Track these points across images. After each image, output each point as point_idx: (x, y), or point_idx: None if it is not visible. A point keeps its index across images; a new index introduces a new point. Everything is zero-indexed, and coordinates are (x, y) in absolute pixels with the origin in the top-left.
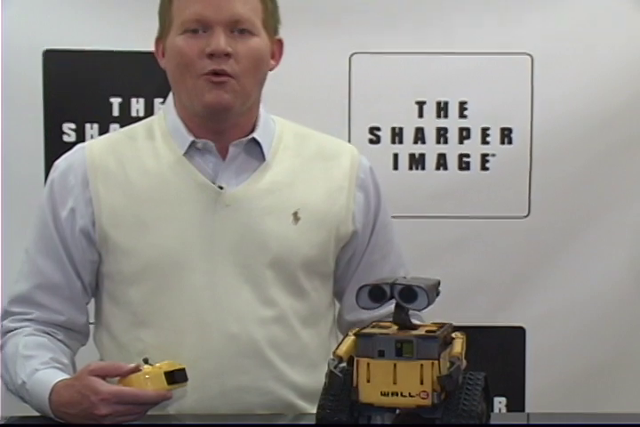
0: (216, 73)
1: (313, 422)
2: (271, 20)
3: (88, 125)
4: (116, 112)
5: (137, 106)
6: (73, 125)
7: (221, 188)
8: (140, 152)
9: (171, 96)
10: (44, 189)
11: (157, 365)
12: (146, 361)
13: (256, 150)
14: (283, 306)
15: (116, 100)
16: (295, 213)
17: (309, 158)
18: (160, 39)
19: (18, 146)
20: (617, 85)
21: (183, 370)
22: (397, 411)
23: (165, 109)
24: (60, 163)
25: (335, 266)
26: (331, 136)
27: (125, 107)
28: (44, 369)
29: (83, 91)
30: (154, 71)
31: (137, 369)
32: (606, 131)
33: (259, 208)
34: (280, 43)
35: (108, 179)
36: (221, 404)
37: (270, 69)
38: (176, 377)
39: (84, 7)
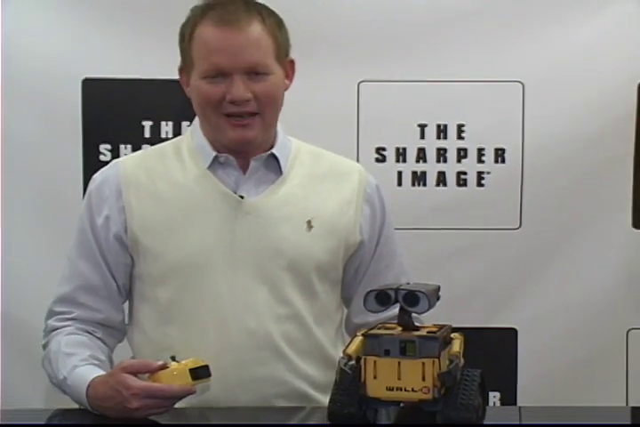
0: (238, 115)
1: (325, 414)
2: (282, 50)
3: (122, 146)
4: (147, 134)
5: (166, 128)
6: (109, 146)
7: (242, 197)
8: (168, 167)
9: (197, 118)
10: (83, 200)
11: (183, 362)
12: (173, 358)
13: (274, 165)
14: (296, 305)
15: (147, 124)
16: (309, 222)
17: (322, 175)
18: (183, 70)
19: (59, 165)
20: (600, 111)
21: (206, 367)
22: (401, 404)
23: (192, 130)
24: (97, 176)
25: (343, 274)
26: (341, 156)
27: (156, 129)
28: (82, 366)
29: (117, 115)
30: (181, 97)
31: (164, 366)
32: (590, 151)
33: (276, 217)
34: (292, 63)
35: (139, 190)
36: (241, 393)
37: (285, 89)
38: (200, 373)
39: (118, 40)
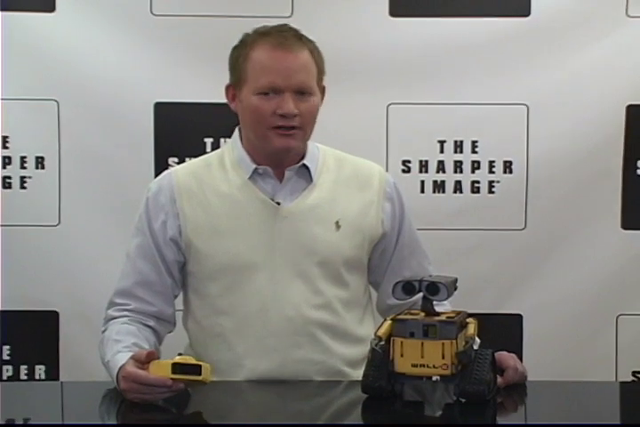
0: (285, 127)
1: (358, 389)
2: (321, 75)
3: (187, 159)
4: (208, 149)
5: (224, 144)
6: (176, 159)
7: (279, 203)
8: (214, 178)
9: (236, 132)
10: (141, 206)
11: (177, 358)
12: (179, 354)
13: (305, 173)
14: (328, 295)
15: (208, 140)
16: (337, 222)
17: (347, 179)
18: (232, 86)
19: (134, 176)
20: (593, 129)
21: (195, 366)
22: (424, 379)
23: (233, 143)
24: (153, 185)
25: (369, 260)
26: (362, 159)
27: (216, 145)
28: (124, 352)
29: (184, 133)
30: (237, 118)
31: (154, 357)
32: (586, 164)
33: (308, 219)
34: (324, 88)
35: (190, 198)
36: (284, 372)
37: None
38: (181, 369)
39: (184, 69)
